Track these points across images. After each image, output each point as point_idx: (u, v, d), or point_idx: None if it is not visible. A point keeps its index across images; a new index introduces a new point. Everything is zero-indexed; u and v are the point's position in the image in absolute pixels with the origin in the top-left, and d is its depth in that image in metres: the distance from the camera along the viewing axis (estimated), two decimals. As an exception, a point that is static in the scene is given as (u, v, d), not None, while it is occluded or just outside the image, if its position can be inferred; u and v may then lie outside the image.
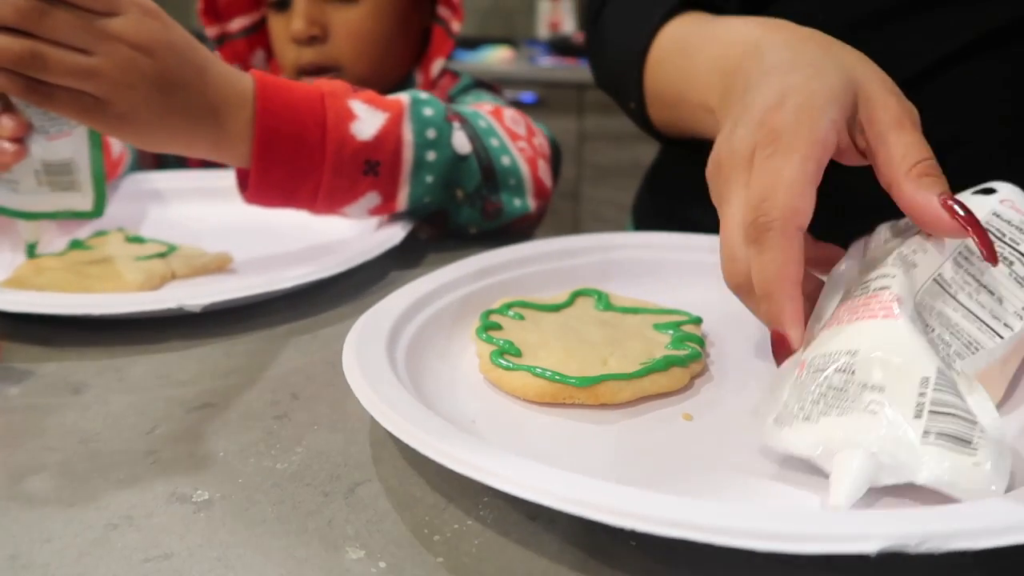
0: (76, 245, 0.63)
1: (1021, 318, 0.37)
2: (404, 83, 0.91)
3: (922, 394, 0.33)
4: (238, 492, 0.36)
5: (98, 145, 0.57)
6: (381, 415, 0.35)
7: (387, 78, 0.89)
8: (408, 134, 0.61)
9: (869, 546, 0.26)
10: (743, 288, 0.40)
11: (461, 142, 0.63)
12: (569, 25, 2.90)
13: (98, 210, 0.59)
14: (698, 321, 0.48)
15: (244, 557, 0.32)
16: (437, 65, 0.89)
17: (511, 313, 0.48)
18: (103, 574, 0.31)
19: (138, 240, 0.65)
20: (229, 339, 0.48)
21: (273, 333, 0.47)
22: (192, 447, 0.40)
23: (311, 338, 0.50)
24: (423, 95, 0.64)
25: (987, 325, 0.38)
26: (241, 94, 0.55)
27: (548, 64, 2.60)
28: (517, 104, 0.90)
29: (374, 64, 0.88)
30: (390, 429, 0.34)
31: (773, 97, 0.39)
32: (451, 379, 0.44)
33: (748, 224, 0.37)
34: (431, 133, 0.62)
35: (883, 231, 0.44)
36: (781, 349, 0.38)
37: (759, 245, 0.37)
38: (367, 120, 0.59)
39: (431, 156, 0.62)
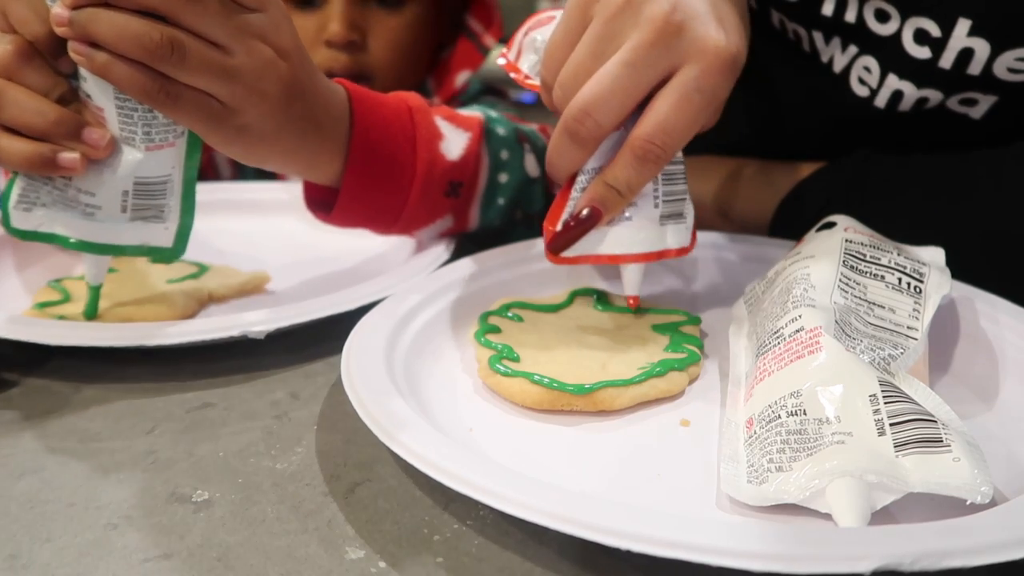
0: None
1: (918, 318, 0.41)
2: (416, 93, 0.89)
3: (876, 411, 0.33)
4: (238, 492, 0.36)
5: (195, 162, 0.47)
6: (378, 429, 0.35)
7: (404, 88, 0.87)
8: (485, 154, 0.58)
9: (864, 566, 0.26)
10: (564, 100, 0.42)
11: (532, 165, 0.61)
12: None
13: (179, 248, 0.49)
14: (697, 321, 0.48)
15: (244, 557, 0.32)
16: (461, 77, 0.86)
17: (510, 315, 0.48)
18: (103, 574, 0.31)
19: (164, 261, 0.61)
20: (229, 339, 0.48)
21: (273, 333, 0.47)
22: (192, 447, 0.40)
23: (311, 338, 0.50)
24: (492, 112, 0.62)
25: (896, 332, 0.40)
26: (340, 107, 0.51)
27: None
28: (517, 104, 0.89)
29: (400, 75, 0.85)
30: (387, 443, 0.34)
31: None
32: (450, 384, 0.44)
33: (645, 142, 0.41)
34: (504, 154, 0.60)
35: (756, 286, 0.48)
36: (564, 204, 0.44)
37: (644, 163, 0.41)
38: (453, 139, 0.56)
39: (503, 178, 0.60)
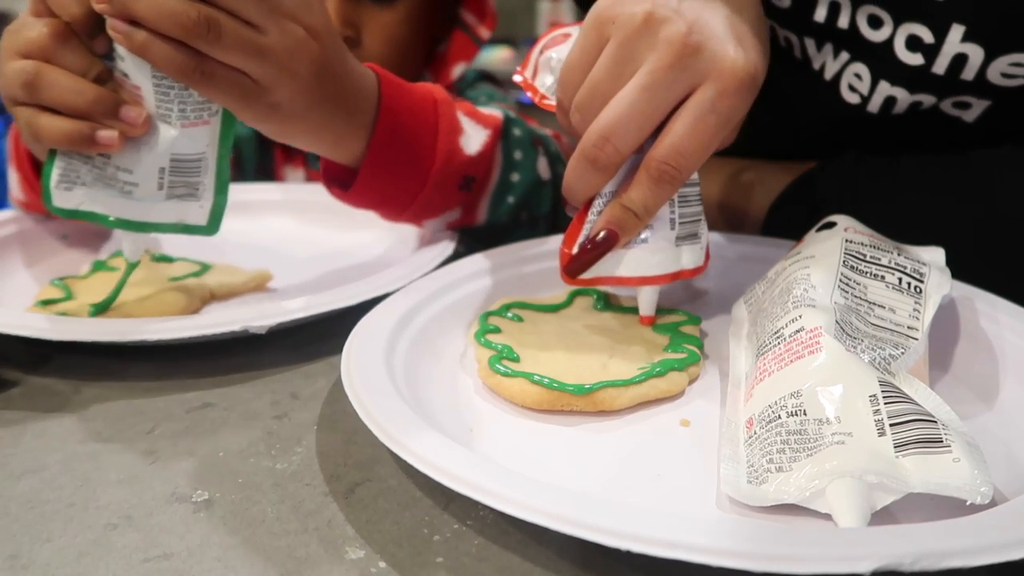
0: (99, 267, 0.59)
1: (918, 318, 0.41)
2: None
3: (876, 411, 0.33)
4: (238, 492, 0.36)
5: (229, 140, 0.48)
6: (378, 429, 0.35)
7: None
8: (499, 153, 0.60)
9: (864, 566, 0.26)
10: (585, 121, 0.42)
11: (544, 167, 0.63)
12: (569, 25, 2.90)
13: (213, 225, 0.50)
14: (697, 321, 0.48)
15: (244, 557, 0.32)
16: (457, 69, 0.87)
17: (510, 315, 0.48)
18: (103, 574, 0.31)
19: (166, 259, 0.61)
20: (229, 339, 0.48)
21: (272, 333, 0.47)
22: (192, 447, 0.40)
23: (311, 338, 0.50)
24: (511, 113, 0.64)
25: (896, 332, 0.40)
26: (369, 89, 0.52)
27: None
28: (516, 104, 0.89)
29: (397, 70, 0.84)
30: (387, 444, 0.34)
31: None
32: (450, 384, 0.44)
33: (661, 163, 0.40)
34: (518, 154, 0.62)
35: (756, 286, 0.48)
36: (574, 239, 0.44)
37: (660, 185, 0.41)
38: (472, 135, 0.58)
39: (515, 177, 0.61)
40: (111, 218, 0.47)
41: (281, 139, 0.50)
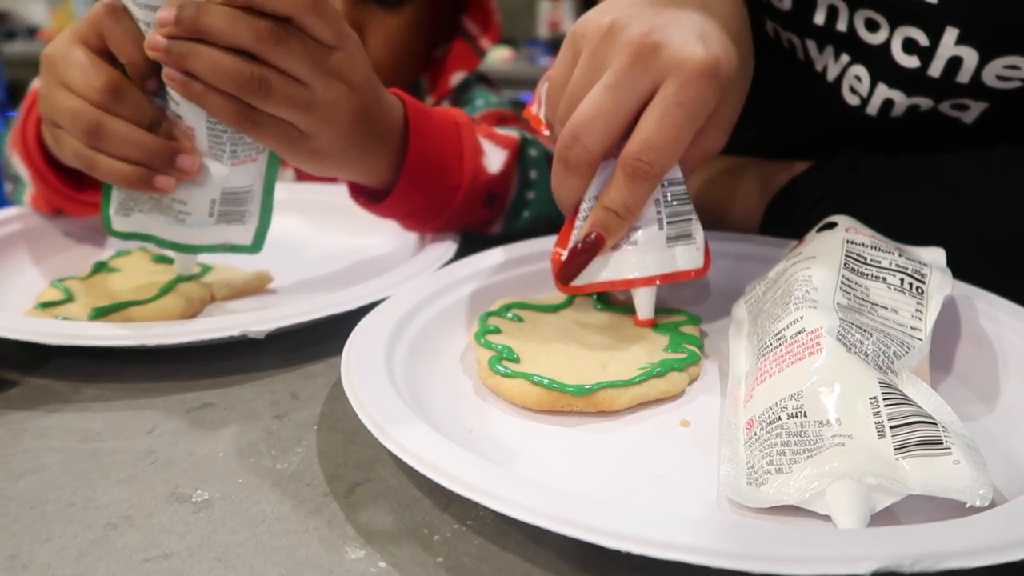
0: (100, 267, 0.59)
1: (920, 319, 0.41)
2: (410, 91, 0.90)
3: (876, 413, 0.33)
4: (238, 492, 0.36)
5: (274, 172, 0.52)
6: (377, 430, 0.35)
7: (399, 85, 0.87)
8: (516, 172, 0.64)
9: (863, 567, 0.26)
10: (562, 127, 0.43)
11: None
12: (569, 25, 2.90)
13: (257, 245, 0.54)
14: (697, 321, 0.48)
15: (244, 557, 0.32)
16: (456, 77, 0.88)
17: (510, 315, 0.48)
18: (103, 574, 0.31)
19: (166, 261, 0.60)
20: (229, 339, 0.48)
21: (273, 333, 0.47)
22: (192, 447, 0.40)
23: (311, 339, 0.50)
24: (527, 134, 0.67)
25: (900, 332, 0.40)
26: (397, 119, 0.55)
27: (548, 64, 2.59)
28: (517, 104, 0.89)
29: (397, 73, 0.86)
30: (386, 444, 0.34)
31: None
32: (450, 385, 0.44)
33: (633, 159, 0.41)
34: (533, 174, 0.65)
35: (757, 286, 0.48)
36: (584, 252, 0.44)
37: (635, 181, 0.42)
38: (492, 155, 0.61)
39: (530, 195, 0.65)
40: (165, 240, 0.51)
41: (319, 174, 0.53)
